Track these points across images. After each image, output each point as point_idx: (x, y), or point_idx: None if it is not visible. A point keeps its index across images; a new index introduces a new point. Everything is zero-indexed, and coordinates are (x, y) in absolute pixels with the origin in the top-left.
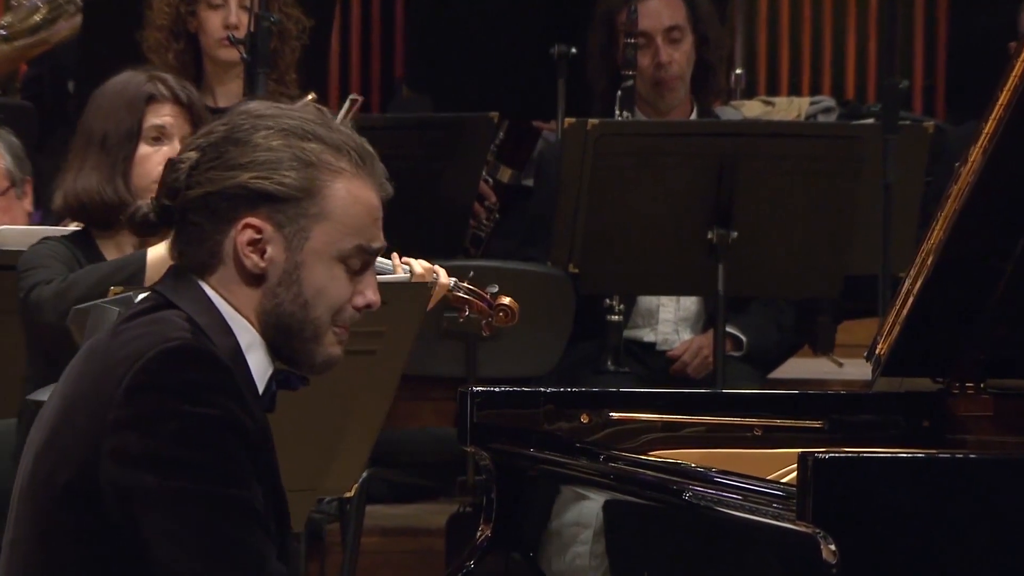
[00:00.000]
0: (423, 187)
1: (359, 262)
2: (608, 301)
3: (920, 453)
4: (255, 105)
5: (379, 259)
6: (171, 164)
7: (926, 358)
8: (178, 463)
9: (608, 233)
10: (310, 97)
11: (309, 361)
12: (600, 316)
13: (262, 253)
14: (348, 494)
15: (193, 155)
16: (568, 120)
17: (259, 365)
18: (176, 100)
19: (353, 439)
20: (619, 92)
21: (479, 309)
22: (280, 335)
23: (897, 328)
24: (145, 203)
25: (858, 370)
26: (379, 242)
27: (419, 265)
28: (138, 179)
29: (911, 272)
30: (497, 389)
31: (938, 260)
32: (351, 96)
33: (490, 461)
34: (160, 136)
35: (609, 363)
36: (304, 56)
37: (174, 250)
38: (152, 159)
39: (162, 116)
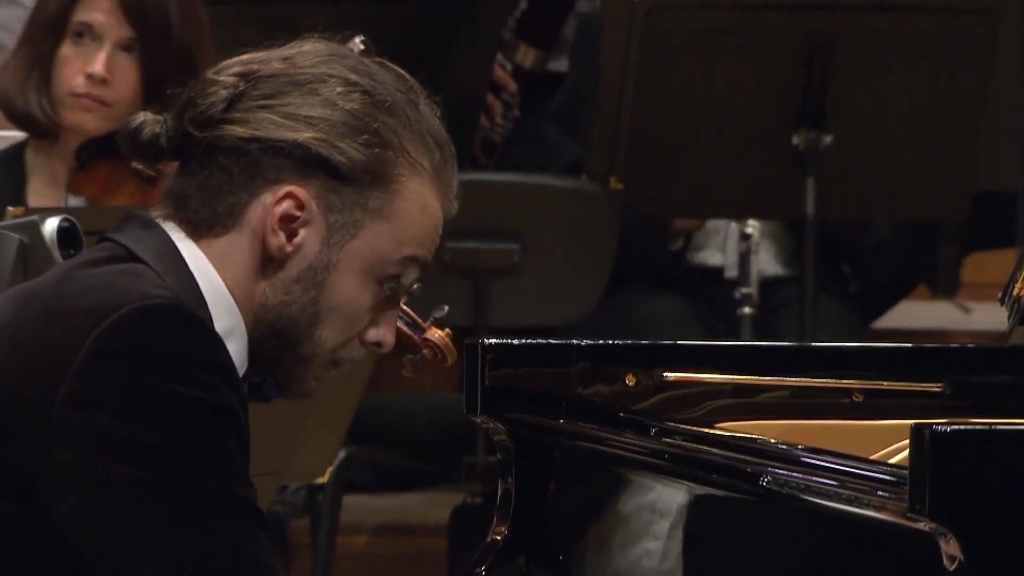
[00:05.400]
0: (418, 77)
1: (395, 285)
2: None
3: None
4: (323, 46)
5: None
6: (208, 82)
7: None
8: (161, 454)
9: (662, 138)
10: (358, 40)
11: (284, 381)
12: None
13: (291, 236)
14: (320, 480)
15: (233, 80)
16: None
17: (234, 358)
18: None
19: (327, 409)
20: None
21: (406, 339)
22: (271, 339)
23: None
24: (151, 119)
25: (989, 316)
26: (429, 262)
27: None
28: (55, 86)
29: None
30: (516, 342)
31: None
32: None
33: (507, 436)
34: (84, 35)
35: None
36: None
37: (172, 192)
38: (71, 65)
39: (93, 12)
